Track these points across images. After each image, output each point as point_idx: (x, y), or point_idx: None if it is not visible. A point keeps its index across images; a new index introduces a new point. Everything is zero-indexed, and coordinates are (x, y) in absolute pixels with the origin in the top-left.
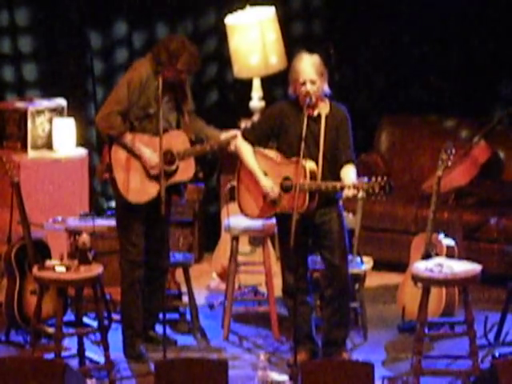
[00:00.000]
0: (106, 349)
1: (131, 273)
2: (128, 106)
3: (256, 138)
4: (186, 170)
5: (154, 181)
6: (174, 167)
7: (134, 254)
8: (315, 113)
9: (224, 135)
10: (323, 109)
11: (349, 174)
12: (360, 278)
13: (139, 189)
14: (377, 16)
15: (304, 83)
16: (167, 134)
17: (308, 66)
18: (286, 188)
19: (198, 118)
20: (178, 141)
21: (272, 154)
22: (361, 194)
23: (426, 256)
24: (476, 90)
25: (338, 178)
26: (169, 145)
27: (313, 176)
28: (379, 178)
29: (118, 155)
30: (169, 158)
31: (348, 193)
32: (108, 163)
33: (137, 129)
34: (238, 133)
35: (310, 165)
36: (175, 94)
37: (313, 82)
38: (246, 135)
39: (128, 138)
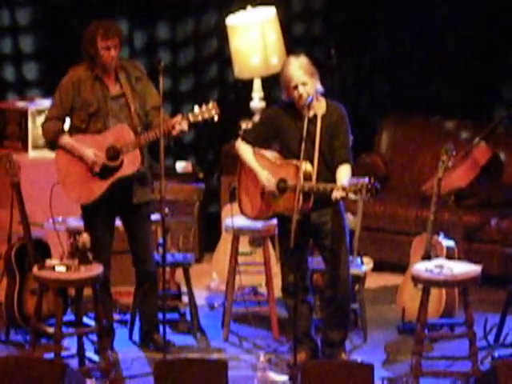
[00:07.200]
0: (106, 349)
1: None
2: (62, 110)
3: (254, 139)
4: (131, 163)
5: (98, 179)
6: (118, 162)
7: (98, 251)
8: (311, 113)
9: (169, 121)
10: (319, 109)
11: (342, 175)
12: (360, 279)
13: (85, 189)
14: (377, 16)
15: (296, 87)
16: (109, 129)
17: (296, 69)
18: (281, 189)
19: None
20: (121, 135)
21: (271, 155)
22: (352, 196)
23: (426, 257)
24: (477, 91)
25: (335, 178)
26: (112, 140)
27: (307, 177)
28: (366, 181)
29: (60, 159)
30: (112, 153)
31: (336, 194)
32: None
33: (83, 130)
34: (180, 116)
35: (304, 166)
36: (123, 90)
37: (304, 84)
38: (245, 137)
39: (65, 140)
